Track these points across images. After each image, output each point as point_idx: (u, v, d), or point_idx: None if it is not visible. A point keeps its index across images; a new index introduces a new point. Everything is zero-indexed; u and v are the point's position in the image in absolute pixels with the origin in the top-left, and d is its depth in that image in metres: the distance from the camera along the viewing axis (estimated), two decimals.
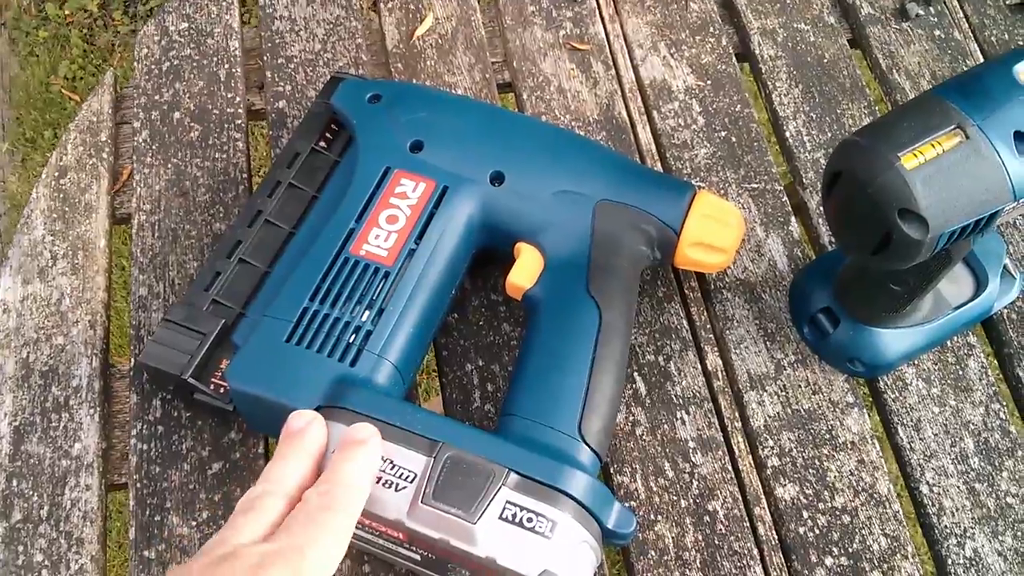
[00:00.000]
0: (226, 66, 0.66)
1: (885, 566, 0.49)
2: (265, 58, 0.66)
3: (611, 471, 0.52)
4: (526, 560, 0.39)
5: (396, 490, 0.41)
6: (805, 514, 0.51)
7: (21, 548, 0.50)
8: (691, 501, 0.51)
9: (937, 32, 0.67)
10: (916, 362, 0.55)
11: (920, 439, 0.53)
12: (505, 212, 0.51)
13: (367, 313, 0.47)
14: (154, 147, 0.62)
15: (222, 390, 0.49)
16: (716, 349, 0.55)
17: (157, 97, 0.64)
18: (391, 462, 0.41)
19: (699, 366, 0.55)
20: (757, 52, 0.66)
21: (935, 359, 0.55)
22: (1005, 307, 0.56)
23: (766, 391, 0.54)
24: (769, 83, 0.65)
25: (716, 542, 0.50)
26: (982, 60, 0.66)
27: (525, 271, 0.50)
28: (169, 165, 0.61)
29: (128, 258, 0.66)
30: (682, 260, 0.52)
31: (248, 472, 0.51)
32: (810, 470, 0.52)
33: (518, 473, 0.41)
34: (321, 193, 0.54)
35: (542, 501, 0.41)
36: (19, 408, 0.53)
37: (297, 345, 0.46)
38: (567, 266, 0.50)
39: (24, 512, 0.51)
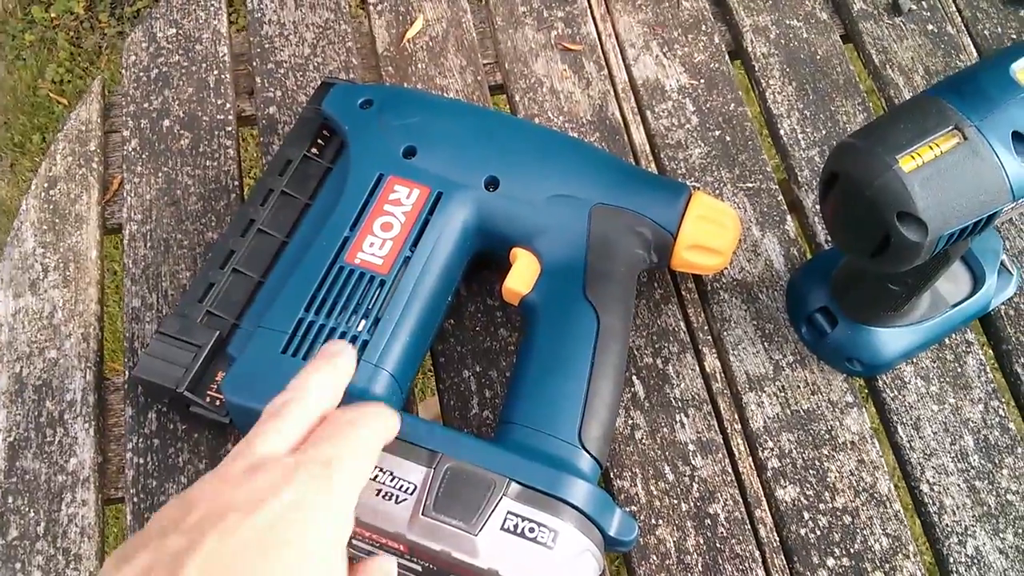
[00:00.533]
0: (215, 72, 0.65)
1: (887, 566, 0.49)
2: (254, 63, 0.65)
3: (611, 476, 0.51)
4: (529, 571, 0.39)
5: (396, 502, 0.40)
6: (806, 515, 0.50)
7: (19, 565, 0.49)
8: (692, 504, 0.51)
9: (930, 27, 0.67)
10: (914, 360, 0.55)
11: (920, 437, 0.53)
12: (500, 217, 0.51)
13: (363, 323, 0.47)
14: (144, 156, 0.61)
15: (218, 403, 0.49)
16: (714, 351, 0.55)
17: (146, 105, 0.64)
18: (391, 474, 0.41)
19: (697, 368, 0.55)
20: (750, 50, 0.66)
21: (933, 357, 0.55)
22: (1003, 303, 0.56)
23: (765, 392, 0.54)
24: (762, 81, 0.65)
25: (718, 545, 0.50)
26: (976, 54, 0.66)
27: (521, 277, 0.50)
28: (159, 174, 0.61)
29: (119, 262, 0.65)
30: (679, 263, 0.52)
31: None
32: (810, 471, 0.52)
33: (519, 483, 0.41)
34: (314, 201, 0.54)
35: (543, 511, 0.41)
36: (13, 424, 0.53)
37: (293, 356, 0.46)
38: (563, 271, 0.50)
39: (21, 529, 0.50)
